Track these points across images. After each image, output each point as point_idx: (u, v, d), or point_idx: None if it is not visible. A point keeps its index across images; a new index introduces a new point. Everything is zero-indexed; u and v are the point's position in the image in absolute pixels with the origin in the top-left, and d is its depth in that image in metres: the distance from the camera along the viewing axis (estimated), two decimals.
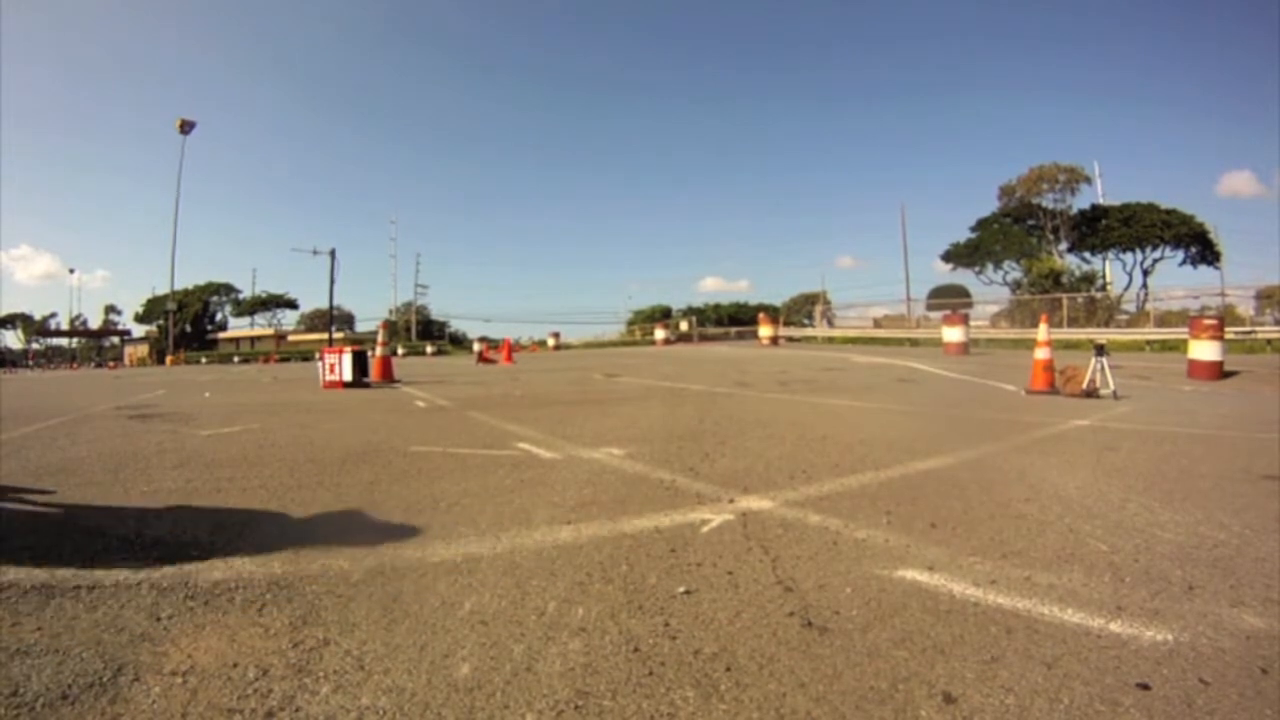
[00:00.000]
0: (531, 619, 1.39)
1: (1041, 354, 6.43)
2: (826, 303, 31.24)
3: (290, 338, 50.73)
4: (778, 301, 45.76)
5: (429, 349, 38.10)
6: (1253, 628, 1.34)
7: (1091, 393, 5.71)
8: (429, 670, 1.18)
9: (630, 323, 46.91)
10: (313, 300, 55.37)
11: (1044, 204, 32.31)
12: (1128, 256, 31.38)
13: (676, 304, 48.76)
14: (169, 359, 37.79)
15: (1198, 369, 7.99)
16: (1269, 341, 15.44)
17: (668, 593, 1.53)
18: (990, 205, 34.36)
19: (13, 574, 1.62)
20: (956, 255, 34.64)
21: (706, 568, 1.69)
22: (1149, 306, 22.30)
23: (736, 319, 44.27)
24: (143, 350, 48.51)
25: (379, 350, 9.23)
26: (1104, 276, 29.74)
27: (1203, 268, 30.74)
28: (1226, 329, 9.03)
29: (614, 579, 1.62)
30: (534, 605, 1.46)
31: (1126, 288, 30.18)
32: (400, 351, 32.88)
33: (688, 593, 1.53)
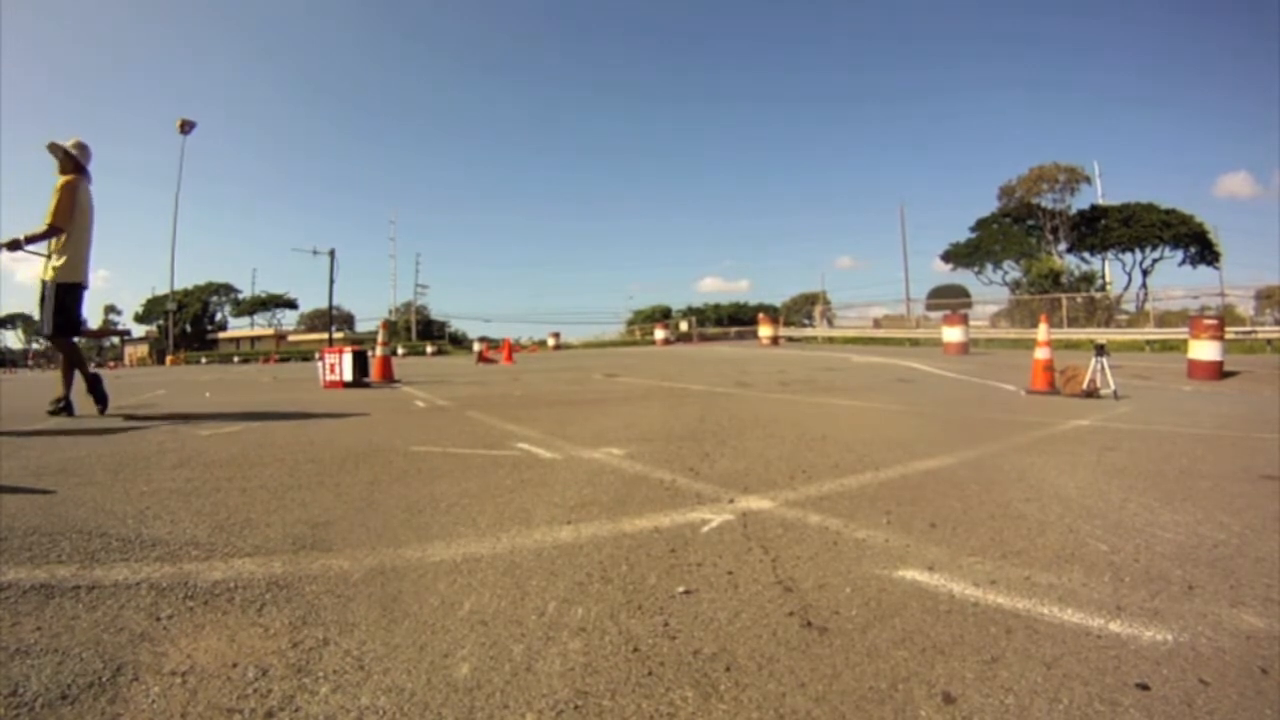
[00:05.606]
0: (531, 619, 1.39)
1: (1041, 354, 6.43)
2: (826, 303, 31.28)
3: (290, 338, 50.79)
4: (777, 301, 45.94)
5: (429, 349, 38.09)
6: (1253, 628, 1.34)
7: (1091, 393, 5.71)
8: (429, 670, 1.18)
9: (630, 323, 47.00)
10: (313, 300, 55.56)
11: (1044, 204, 32.37)
12: (1127, 256, 31.46)
13: (676, 304, 48.97)
14: (169, 359, 37.79)
15: (1198, 369, 7.99)
16: (1269, 341, 15.46)
17: (667, 593, 1.53)
18: (990, 205, 34.48)
19: (13, 574, 1.62)
20: (956, 255, 34.69)
21: (706, 568, 1.69)
22: (1149, 306, 22.34)
23: (736, 319, 44.35)
24: (143, 350, 48.53)
25: (379, 350, 9.23)
26: (1104, 276, 29.80)
27: (1202, 268, 30.85)
28: (1226, 329, 9.04)
29: (614, 579, 1.61)
30: (534, 605, 1.46)
31: (1126, 288, 30.26)
32: (400, 351, 32.89)
33: (687, 593, 1.53)
